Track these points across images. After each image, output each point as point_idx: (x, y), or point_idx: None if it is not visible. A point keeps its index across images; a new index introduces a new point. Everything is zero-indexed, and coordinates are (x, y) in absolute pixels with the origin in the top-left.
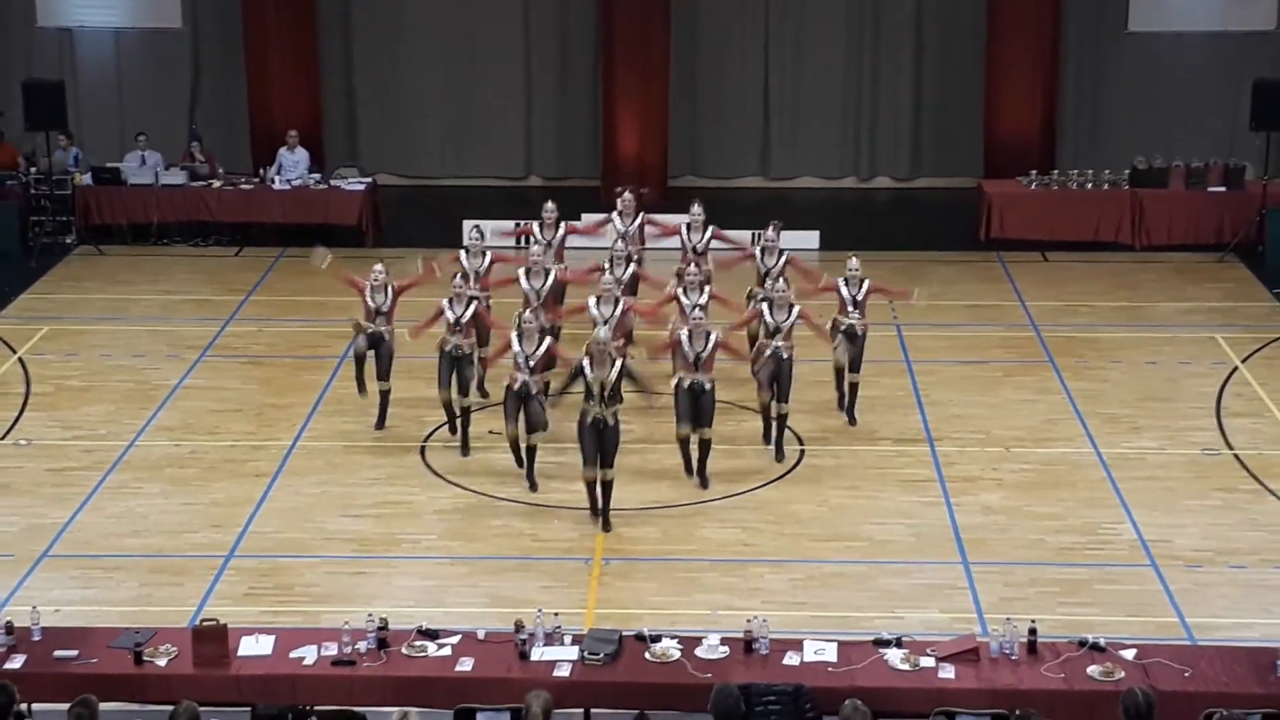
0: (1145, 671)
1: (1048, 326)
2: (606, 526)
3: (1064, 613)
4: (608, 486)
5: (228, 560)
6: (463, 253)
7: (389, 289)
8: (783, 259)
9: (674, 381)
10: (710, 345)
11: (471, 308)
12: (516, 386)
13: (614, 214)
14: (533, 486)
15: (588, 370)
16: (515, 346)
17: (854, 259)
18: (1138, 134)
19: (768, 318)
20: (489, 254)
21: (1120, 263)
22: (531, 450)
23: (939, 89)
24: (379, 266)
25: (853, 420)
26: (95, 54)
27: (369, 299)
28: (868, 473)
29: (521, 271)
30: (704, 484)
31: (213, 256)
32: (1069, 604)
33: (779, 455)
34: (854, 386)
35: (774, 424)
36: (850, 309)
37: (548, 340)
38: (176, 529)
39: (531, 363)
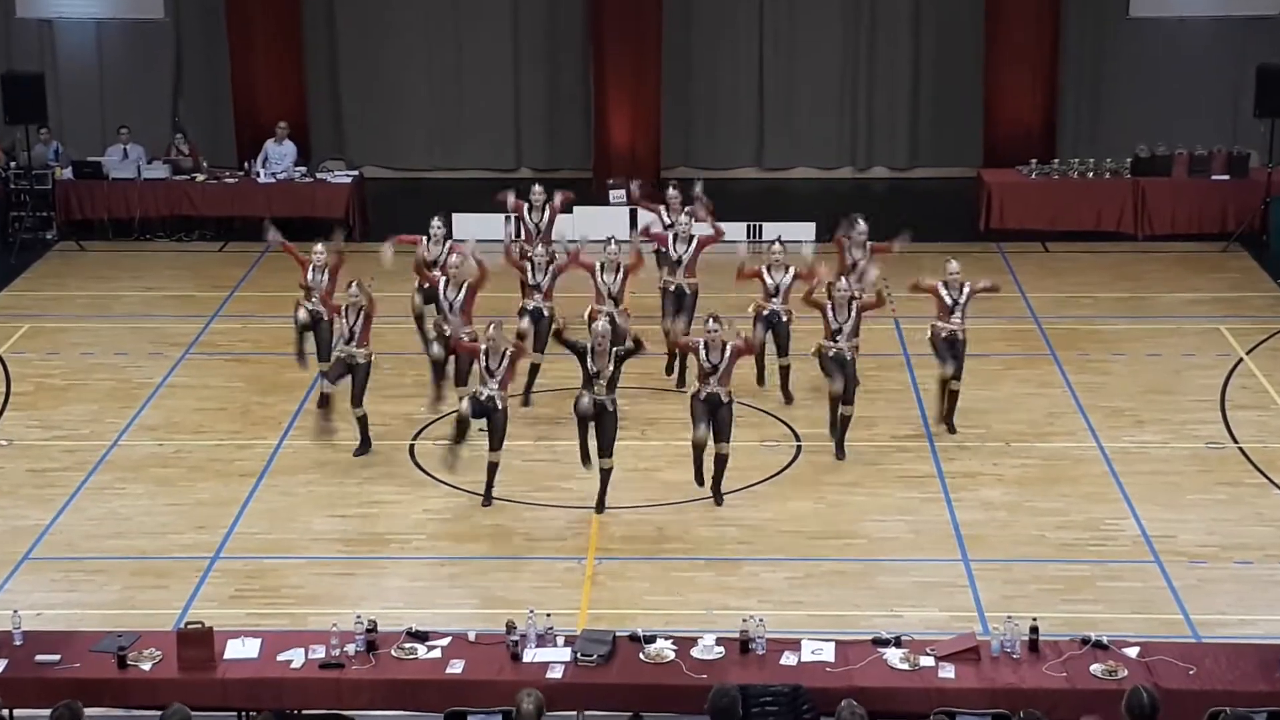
0: (1149, 669)
1: (1049, 319)
2: (600, 508)
3: (1066, 610)
4: (606, 474)
5: (213, 562)
6: (424, 239)
7: (327, 270)
8: (791, 273)
9: (690, 391)
10: (727, 356)
11: (362, 316)
12: (483, 399)
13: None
14: (487, 502)
15: (589, 360)
16: (481, 360)
17: (954, 261)
18: (1139, 122)
19: (830, 319)
20: (448, 243)
21: (1122, 253)
22: (492, 467)
23: (937, 76)
24: (319, 246)
25: (952, 429)
26: (76, 46)
27: (309, 277)
28: (866, 469)
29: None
30: (718, 500)
31: (196, 252)
32: (1071, 601)
33: (840, 454)
34: (954, 394)
35: (838, 423)
36: (953, 315)
37: (510, 352)
38: (160, 530)
39: (496, 375)
